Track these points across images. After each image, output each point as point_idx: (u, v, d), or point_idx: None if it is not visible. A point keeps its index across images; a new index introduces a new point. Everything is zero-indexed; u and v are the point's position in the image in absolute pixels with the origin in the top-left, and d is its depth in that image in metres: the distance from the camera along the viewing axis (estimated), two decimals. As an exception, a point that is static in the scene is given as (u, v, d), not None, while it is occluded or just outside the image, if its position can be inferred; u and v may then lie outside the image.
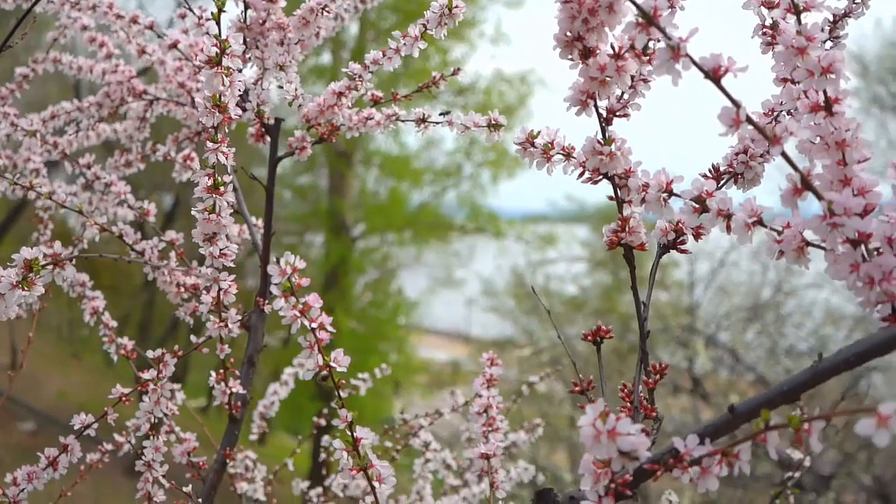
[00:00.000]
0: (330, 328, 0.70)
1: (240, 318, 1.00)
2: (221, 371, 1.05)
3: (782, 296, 7.24)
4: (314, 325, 0.69)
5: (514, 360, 8.39)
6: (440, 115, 1.02)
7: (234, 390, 1.06)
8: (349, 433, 0.72)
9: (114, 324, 1.18)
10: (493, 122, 0.96)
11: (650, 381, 0.71)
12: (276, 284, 0.68)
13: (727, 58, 0.56)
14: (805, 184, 0.57)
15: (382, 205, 11.34)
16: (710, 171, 0.77)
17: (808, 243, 0.61)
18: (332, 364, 0.71)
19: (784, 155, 0.57)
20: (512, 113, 10.73)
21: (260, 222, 1.22)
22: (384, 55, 0.99)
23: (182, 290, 1.13)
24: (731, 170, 0.77)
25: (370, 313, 11.31)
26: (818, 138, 0.61)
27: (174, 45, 1.16)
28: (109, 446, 1.22)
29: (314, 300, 0.70)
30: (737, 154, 0.76)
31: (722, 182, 0.77)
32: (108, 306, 1.21)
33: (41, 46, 1.48)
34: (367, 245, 11.78)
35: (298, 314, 0.69)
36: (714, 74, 0.56)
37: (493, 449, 1.05)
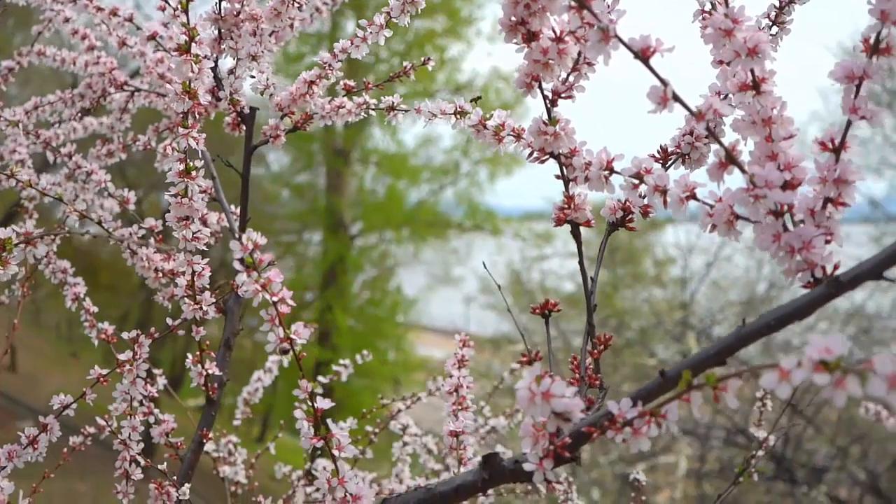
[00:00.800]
0: (291, 302, 0.73)
1: (214, 300, 1.03)
2: (197, 353, 1.08)
3: (776, 290, 7.28)
4: (275, 298, 0.72)
5: (510, 356, 8.43)
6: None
7: (210, 372, 1.09)
8: (310, 404, 0.75)
9: (94, 309, 1.21)
10: (458, 109, 0.99)
11: (595, 351, 0.75)
12: (238, 260, 0.71)
13: (655, 39, 0.59)
14: (730, 158, 0.60)
15: (380, 203, 11.37)
16: (657, 151, 0.80)
17: (738, 216, 0.64)
18: (293, 336, 0.74)
19: (710, 131, 0.61)
20: (509, 110, 10.71)
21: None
22: (352, 44, 1.02)
23: (160, 275, 1.17)
24: (678, 150, 0.80)
25: (368, 311, 11.34)
26: (748, 116, 0.64)
27: (152, 37, 1.19)
28: (91, 429, 1.24)
29: (275, 275, 0.73)
30: (683, 135, 0.79)
31: (669, 162, 0.80)
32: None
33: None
34: (365, 243, 11.82)
35: (260, 288, 0.72)
36: (643, 55, 0.59)
37: (461, 426, 1.09)
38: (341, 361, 1.57)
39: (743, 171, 0.60)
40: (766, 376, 0.48)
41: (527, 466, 0.63)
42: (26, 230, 0.76)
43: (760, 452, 1.21)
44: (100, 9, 1.23)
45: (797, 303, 0.58)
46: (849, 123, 0.61)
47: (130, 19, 1.25)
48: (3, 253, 0.75)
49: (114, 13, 1.24)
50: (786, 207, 0.60)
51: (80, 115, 1.37)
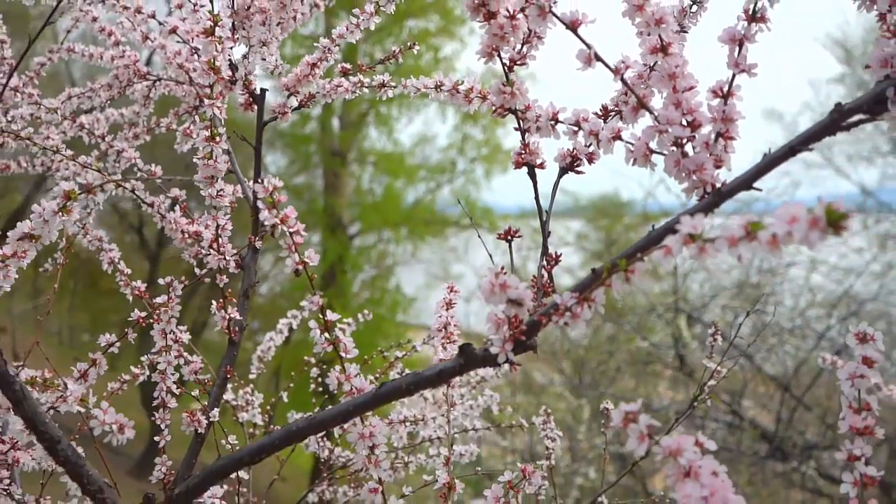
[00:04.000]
0: (304, 233, 0.91)
1: (235, 252, 1.21)
2: (221, 300, 1.26)
3: (769, 276, 7.46)
4: (292, 230, 0.90)
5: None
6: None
7: (232, 317, 1.27)
8: (321, 316, 0.93)
9: (128, 271, 1.39)
10: (438, 84, 1.16)
11: (548, 266, 0.92)
12: (260, 199, 0.89)
13: (581, 13, 0.77)
14: (640, 104, 0.78)
15: (378, 202, 11.54)
16: (599, 109, 0.98)
17: (652, 150, 0.81)
18: (307, 260, 0.92)
19: (624, 82, 0.78)
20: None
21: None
22: (347, 29, 1.20)
23: (185, 236, 1.34)
24: (616, 108, 0.97)
25: (368, 310, 11.49)
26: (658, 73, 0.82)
27: (173, 31, 1.37)
28: (127, 376, 1.42)
29: (291, 212, 0.91)
30: (620, 96, 0.97)
31: (609, 118, 0.98)
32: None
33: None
34: (363, 243, 11.99)
35: (279, 222, 0.90)
36: (572, 26, 0.77)
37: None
38: (346, 320, 1.74)
39: (651, 112, 0.78)
40: (655, 253, 0.66)
41: (492, 349, 0.81)
42: (87, 182, 0.93)
43: (712, 382, 1.39)
44: (126, 7, 1.41)
45: (693, 210, 0.76)
46: (733, 75, 0.79)
47: (153, 16, 1.43)
48: (69, 202, 0.92)
49: (138, 10, 1.41)
50: (685, 140, 0.78)
51: (108, 102, 1.54)
